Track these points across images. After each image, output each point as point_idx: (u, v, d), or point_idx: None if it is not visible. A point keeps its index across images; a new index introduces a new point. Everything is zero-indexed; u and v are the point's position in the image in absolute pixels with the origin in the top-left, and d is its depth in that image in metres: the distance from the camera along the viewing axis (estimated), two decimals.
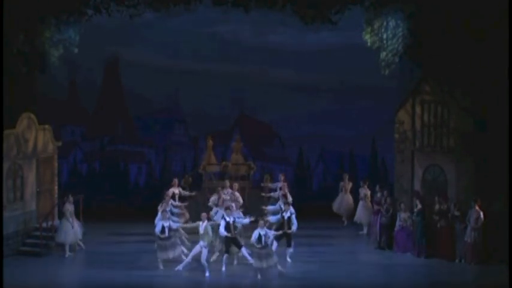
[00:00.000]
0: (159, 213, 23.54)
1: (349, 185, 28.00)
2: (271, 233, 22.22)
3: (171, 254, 22.92)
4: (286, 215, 23.24)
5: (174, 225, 23.24)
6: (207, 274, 22.19)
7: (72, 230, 24.52)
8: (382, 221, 25.36)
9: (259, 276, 22.08)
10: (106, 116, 31.88)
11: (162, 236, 22.84)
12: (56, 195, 26.30)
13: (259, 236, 21.90)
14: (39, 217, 25.29)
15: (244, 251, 22.71)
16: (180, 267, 22.60)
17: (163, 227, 22.77)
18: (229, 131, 31.74)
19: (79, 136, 32.09)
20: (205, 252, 22.28)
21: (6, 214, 24.04)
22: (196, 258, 22.52)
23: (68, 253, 24.41)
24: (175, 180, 25.97)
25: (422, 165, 25.56)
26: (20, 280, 21.92)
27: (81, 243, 25.17)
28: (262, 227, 22.02)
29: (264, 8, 25.62)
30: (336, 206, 28.02)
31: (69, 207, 24.60)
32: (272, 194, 26.35)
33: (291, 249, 23.43)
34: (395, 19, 24.87)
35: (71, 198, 24.72)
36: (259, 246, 21.92)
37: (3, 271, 20.96)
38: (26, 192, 25.15)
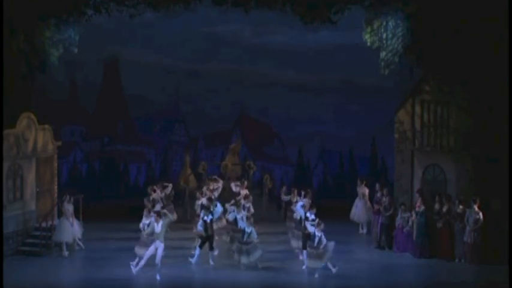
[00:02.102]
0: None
1: (363, 190, 27.47)
2: (325, 242, 22.39)
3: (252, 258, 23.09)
4: (209, 218, 23.48)
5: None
6: (158, 277, 21.99)
7: (70, 229, 24.53)
8: (382, 220, 25.37)
9: (316, 276, 22.23)
10: (106, 116, 31.88)
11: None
12: (56, 195, 26.32)
13: (316, 237, 22.23)
14: (38, 217, 25.30)
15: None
16: (134, 270, 22.25)
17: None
18: (229, 131, 31.74)
19: (79, 136, 32.09)
20: (161, 251, 22.16)
21: (6, 214, 24.04)
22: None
23: (65, 252, 24.41)
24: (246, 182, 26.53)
25: (422, 165, 25.57)
26: (19, 280, 21.90)
27: (80, 242, 25.20)
28: (319, 229, 22.29)
29: (264, 8, 25.63)
30: (352, 213, 27.69)
31: (69, 207, 24.62)
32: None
33: (215, 253, 23.68)
34: (395, 19, 24.89)
35: (70, 198, 24.74)
36: (315, 247, 22.20)
37: (3, 271, 20.95)
38: (26, 192, 25.16)
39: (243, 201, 24.61)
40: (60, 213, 25.29)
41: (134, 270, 22.26)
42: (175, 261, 23.66)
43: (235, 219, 23.58)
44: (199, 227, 23.45)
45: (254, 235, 22.91)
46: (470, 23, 23.67)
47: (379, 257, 24.61)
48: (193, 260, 23.39)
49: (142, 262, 22.24)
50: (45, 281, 22.16)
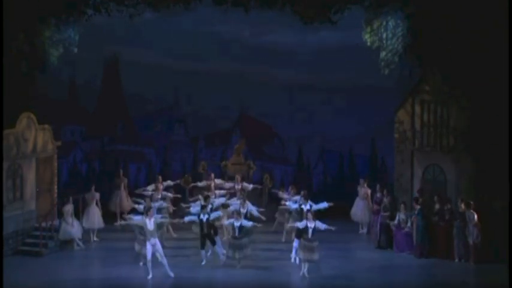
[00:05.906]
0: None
1: (366, 190, 27.38)
2: (323, 226, 22.32)
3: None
4: (205, 218, 23.48)
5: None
6: (171, 275, 22.18)
7: (100, 216, 25.81)
8: (382, 220, 25.38)
9: (305, 270, 22.29)
10: (106, 116, 31.85)
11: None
12: (56, 195, 26.34)
13: (309, 229, 22.22)
14: (38, 217, 25.32)
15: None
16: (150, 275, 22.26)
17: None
18: (229, 131, 31.72)
19: (79, 136, 32.05)
20: (151, 249, 22.10)
21: (6, 214, 24.06)
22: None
23: (94, 238, 25.73)
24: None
25: (422, 165, 25.58)
26: (20, 280, 21.94)
27: (80, 242, 25.23)
28: (310, 220, 22.26)
29: (264, 8, 25.65)
30: (353, 213, 27.65)
31: (96, 196, 25.78)
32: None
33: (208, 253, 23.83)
34: (395, 19, 24.88)
35: (91, 188, 25.89)
36: (310, 239, 22.22)
37: (3, 271, 20.97)
38: (26, 192, 25.18)
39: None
40: (60, 214, 25.37)
41: (151, 274, 22.14)
42: (176, 261, 23.70)
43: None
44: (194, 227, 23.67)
45: (248, 225, 23.12)
46: (470, 23, 23.67)
47: (379, 257, 24.63)
48: (203, 262, 23.48)
49: (150, 264, 22.14)
50: (46, 280, 22.19)
